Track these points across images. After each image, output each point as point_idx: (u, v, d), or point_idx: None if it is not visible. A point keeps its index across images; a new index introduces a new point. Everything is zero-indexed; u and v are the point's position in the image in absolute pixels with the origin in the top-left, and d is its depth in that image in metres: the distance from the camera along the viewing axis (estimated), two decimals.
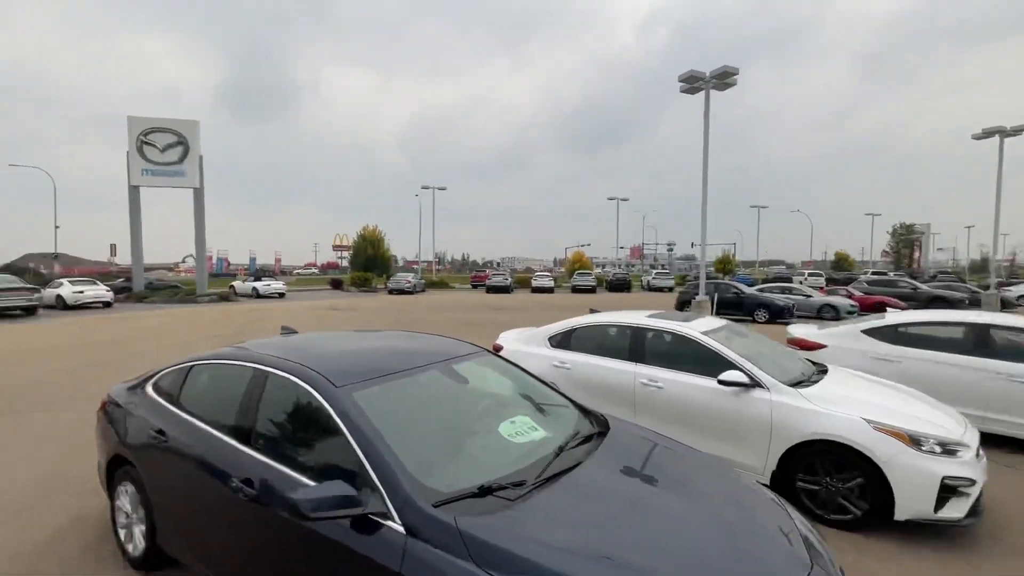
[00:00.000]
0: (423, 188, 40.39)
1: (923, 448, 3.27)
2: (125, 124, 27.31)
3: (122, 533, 3.11)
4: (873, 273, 37.47)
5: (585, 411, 3.00)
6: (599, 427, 2.79)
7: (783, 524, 2.15)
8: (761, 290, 20.72)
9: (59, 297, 21.74)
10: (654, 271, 43.30)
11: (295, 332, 3.70)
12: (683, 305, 19.07)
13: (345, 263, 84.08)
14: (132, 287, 27.67)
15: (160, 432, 2.84)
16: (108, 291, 23.58)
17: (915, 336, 5.77)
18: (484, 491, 1.93)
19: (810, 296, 19.86)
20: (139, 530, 2.96)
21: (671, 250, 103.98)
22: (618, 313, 5.33)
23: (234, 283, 32.73)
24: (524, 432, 2.54)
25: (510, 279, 37.46)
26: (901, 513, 3.25)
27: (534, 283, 37.22)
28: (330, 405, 2.22)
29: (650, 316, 4.95)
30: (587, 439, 2.61)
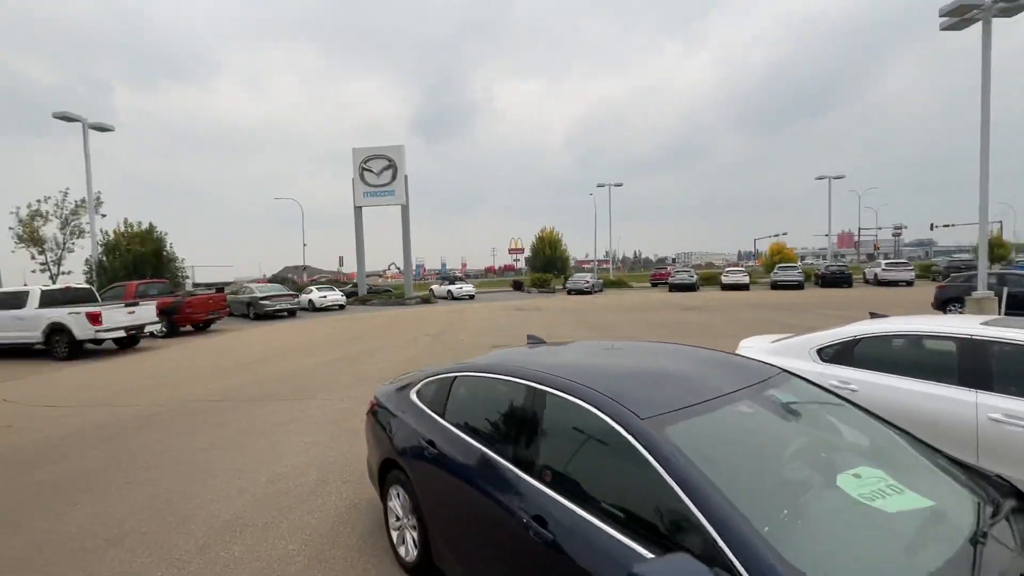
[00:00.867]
0: (598, 186, 39.87)
1: None
2: (347, 157, 32.71)
3: (394, 535, 3.18)
4: None
5: (958, 463, 2.07)
6: (1002, 493, 1.86)
7: None
8: None
9: (310, 301, 26.94)
10: (884, 261, 35.30)
11: (542, 341, 3.43)
12: (947, 303, 14.91)
13: (520, 265, 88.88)
14: (357, 292, 33.03)
15: (431, 443, 2.78)
16: (342, 296, 28.47)
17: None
18: None
19: None
20: (410, 536, 2.98)
21: (898, 235, 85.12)
22: (924, 319, 3.99)
23: (432, 287, 36.71)
24: (883, 494, 1.75)
25: (695, 276, 34.54)
26: None
27: (724, 279, 33.62)
28: (640, 442, 1.77)
29: (986, 323, 3.54)
30: (996, 512, 1.73)
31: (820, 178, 39.93)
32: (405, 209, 32.55)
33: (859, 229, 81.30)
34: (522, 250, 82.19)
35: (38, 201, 25.68)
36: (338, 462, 4.82)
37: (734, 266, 42.75)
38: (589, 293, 33.22)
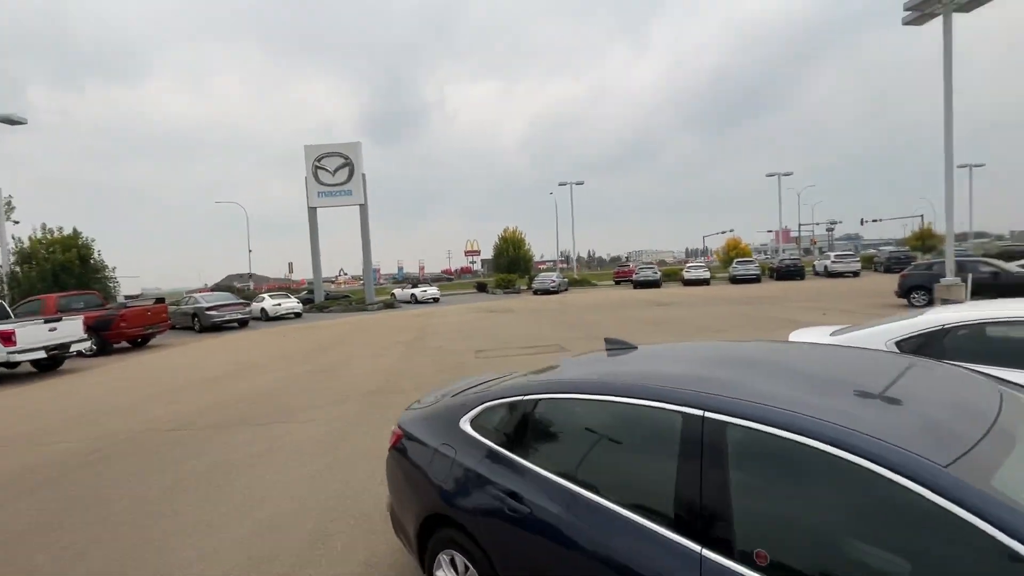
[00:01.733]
0: (560, 185, 39.69)
1: None
2: (298, 158, 30.85)
3: None
4: None
5: None
6: None
7: None
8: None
9: (263, 310, 25.02)
10: (832, 254, 37.02)
11: (633, 347, 2.65)
12: (911, 290, 15.37)
13: (477, 267, 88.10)
14: (314, 299, 31.14)
15: (513, 496, 2.01)
16: (298, 303, 26.65)
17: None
18: None
19: None
20: None
21: (831, 230, 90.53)
22: (1013, 302, 3.58)
23: (394, 291, 35.25)
24: None
25: (658, 273, 34.91)
26: None
27: (686, 275, 34.19)
28: (957, 502, 1.12)
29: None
30: None
31: (770, 175, 41.53)
32: (364, 209, 31.00)
33: (799, 225, 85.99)
34: (479, 252, 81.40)
35: None
36: (337, 502, 3.91)
37: (696, 262, 43.69)
38: (555, 292, 32.86)
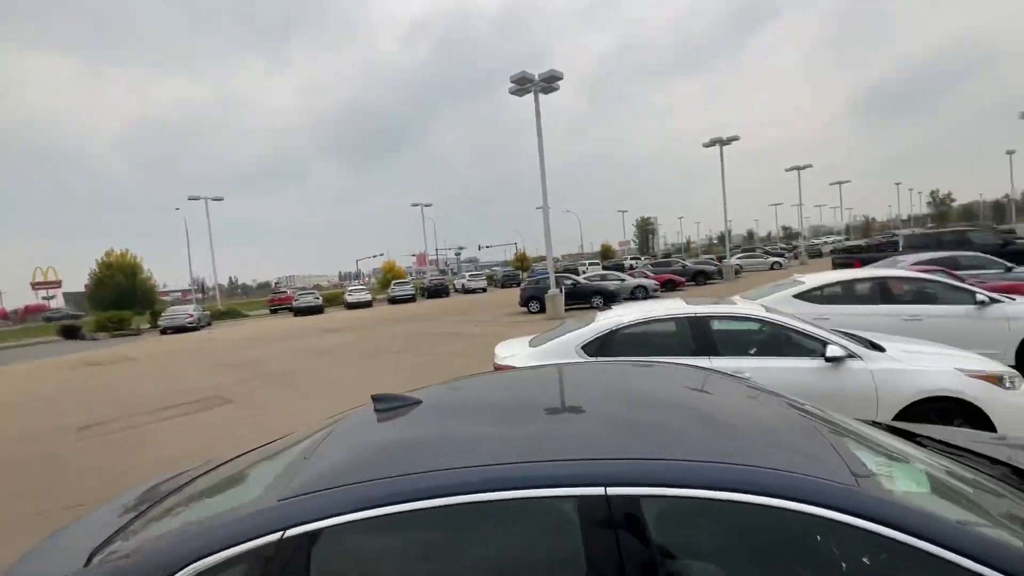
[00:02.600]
0: (191, 199, 32.53)
1: (1006, 385, 3.66)
2: None
3: None
4: (654, 259, 45.37)
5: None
6: None
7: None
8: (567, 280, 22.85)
9: None
10: (467, 275, 44.17)
11: (416, 401, 2.03)
12: (530, 300, 19.65)
13: (58, 304, 63.60)
14: None
15: None
16: None
17: (833, 294, 6.79)
18: None
19: (624, 280, 22.72)
20: None
21: (458, 255, 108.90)
22: (653, 304, 4.86)
23: None
24: None
25: (320, 298, 33.40)
26: None
27: (349, 299, 33.93)
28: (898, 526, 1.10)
29: (692, 303, 4.61)
30: None
31: (415, 204, 46.32)
32: None
33: (436, 250, 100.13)
34: (59, 283, 58.14)
35: None
36: None
37: (356, 285, 43.88)
38: (195, 328, 26.80)
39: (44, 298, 61.56)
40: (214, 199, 33.29)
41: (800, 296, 6.81)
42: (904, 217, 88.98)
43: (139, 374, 12.71)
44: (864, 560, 1.12)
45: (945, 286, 6.58)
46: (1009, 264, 11.27)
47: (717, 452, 1.31)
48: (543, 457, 1.30)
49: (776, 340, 4.15)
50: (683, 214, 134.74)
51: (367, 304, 33.64)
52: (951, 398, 3.61)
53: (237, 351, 15.52)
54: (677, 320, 4.43)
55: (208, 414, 7.70)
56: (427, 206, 46.66)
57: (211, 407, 8.11)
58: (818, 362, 3.87)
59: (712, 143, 30.40)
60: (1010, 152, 49.69)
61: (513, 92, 17.57)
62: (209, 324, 29.44)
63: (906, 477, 1.43)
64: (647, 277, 24.85)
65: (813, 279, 7.13)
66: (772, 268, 35.97)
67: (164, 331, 26.28)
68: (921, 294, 6.66)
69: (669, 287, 24.77)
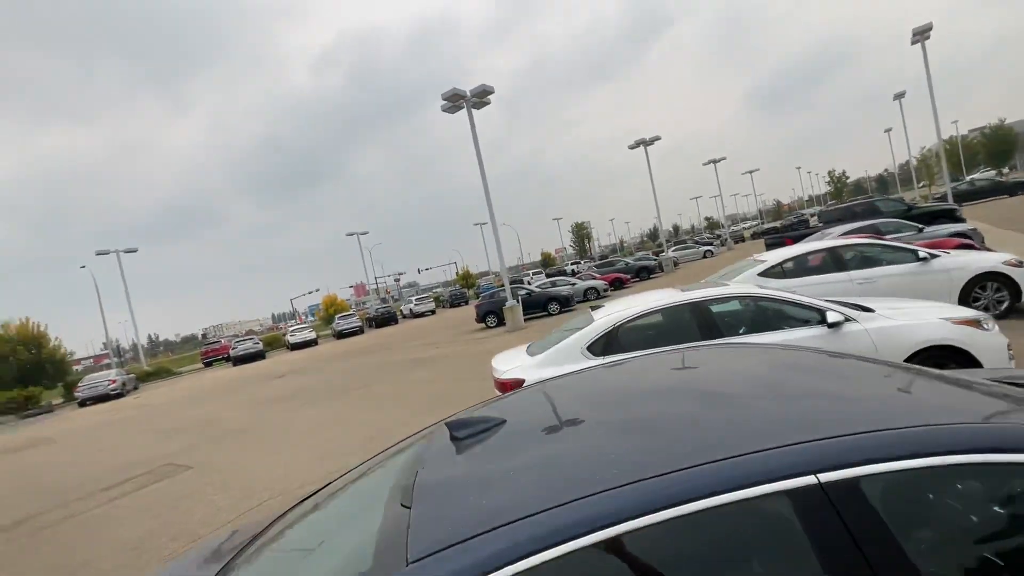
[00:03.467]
0: (98, 253, 29.38)
1: (984, 327, 3.93)
2: None
3: None
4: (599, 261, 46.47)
5: None
6: None
7: None
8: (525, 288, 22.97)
9: None
10: (414, 299, 43.12)
11: (501, 422, 1.80)
12: (487, 315, 19.43)
13: None
14: None
15: None
16: None
17: (793, 268, 7.14)
18: None
19: (575, 284, 23.08)
20: None
21: (398, 280, 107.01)
22: (649, 295, 4.81)
23: None
24: None
25: (260, 343, 31.34)
26: None
27: (292, 339, 32.09)
28: None
29: (684, 291, 4.63)
30: None
31: (350, 234, 44.75)
32: None
33: (375, 278, 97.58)
34: None
35: None
36: None
37: (298, 324, 41.63)
38: (119, 396, 24.16)
39: None
40: (127, 251, 30.37)
41: (764, 274, 7.10)
42: (806, 197, 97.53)
43: (64, 455, 11.19)
44: None
45: (889, 248, 7.11)
46: (920, 225, 12.46)
47: (901, 417, 1.20)
48: (720, 455, 1.13)
49: (775, 315, 4.23)
50: (611, 216, 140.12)
51: (312, 343, 31.97)
52: (944, 346, 3.82)
53: (177, 412, 14.09)
54: (676, 308, 4.42)
55: (164, 485, 6.84)
56: (363, 234, 45.32)
57: (165, 477, 7.22)
58: (820, 330, 3.97)
59: (637, 144, 31.79)
60: (887, 130, 55.86)
61: (446, 109, 17.48)
62: (136, 388, 26.70)
63: None
64: (595, 278, 25.41)
65: (773, 256, 7.49)
66: (704, 256, 38.01)
67: (83, 403, 23.49)
68: (868, 259, 7.14)
69: (617, 285, 25.42)
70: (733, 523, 1.07)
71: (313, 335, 32.56)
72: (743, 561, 1.11)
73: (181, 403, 16.31)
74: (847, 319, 3.98)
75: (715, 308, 4.37)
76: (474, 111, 17.55)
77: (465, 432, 1.65)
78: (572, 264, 53.53)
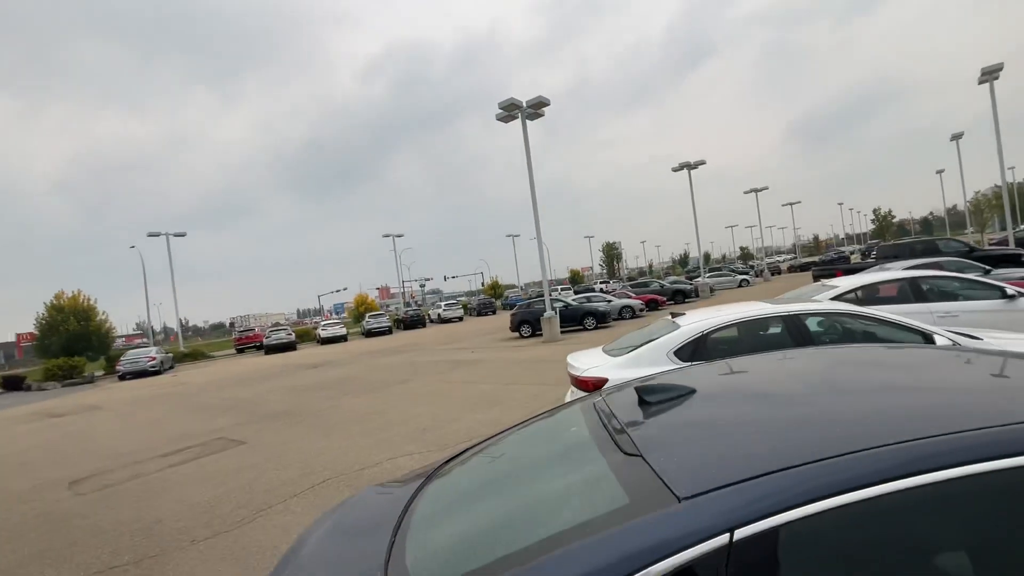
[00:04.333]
0: (150, 235, 30.74)
1: None
2: None
3: None
4: (631, 280, 46.11)
5: None
6: None
7: None
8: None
9: None
10: (443, 304, 43.47)
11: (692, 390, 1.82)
12: (522, 324, 19.40)
13: None
14: None
15: None
16: None
17: (865, 297, 6.93)
18: None
19: (611, 301, 22.89)
20: None
21: (423, 286, 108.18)
22: (735, 307, 4.75)
23: None
24: None
25: (293, 334, 32.01)
26: None
27: (323, 333, 32.67)
28: None
29: (777, 303, 4.56)
30: None
31: (387, 235, 45.64)
32: None
33: (402, 281, 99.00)
34: None
35: None
36: None
37: (330, 319, 42.43)
38: (156, 373, 24.95)
39: None
40: (176, 235, 31.66)
41: (837, 299, 6.91)
42: (843, 235, 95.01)
43: (113, 423, 11.57)
44: None
45: (972, 283, 6.85)
46: (986, 267, 11.97)
47: None
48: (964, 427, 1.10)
49: (875, 335, 4.11)
50: (640, 238, 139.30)
51: (342, 339, 32.46)
52: None
53: (218, 393, 14.45)
54: (768, 320, 4.35)
55: (221, 457, 6.99)
56: (399, 236, 46.12)
57: (221, 450, 7.38)
58: None
59: (681, 167, 31.61)
60: (940, 171, 54.18)
61: (500, 118, 17.75)
62: (172, 367, 27.53)
63: None
64: (630, 297, 25.18)
65: (845, 283, 7.29)
66: (740, 285, 37.28)
67: (123, 376, 24.32)
68: (947, 293, 6.88)
69: (652, 306, 25.14)
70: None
71: (344, 331, 33.07)
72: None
73: (220, 384, 16.73)
74: (954, 343, 3.83)
75: (810, 323, 4.27)
76: (520, 124, 17.75)
77: (656, 397, 1.65)
78: (601, 283, 53.23)
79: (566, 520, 1.23)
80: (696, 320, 4.53)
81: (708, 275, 38.37)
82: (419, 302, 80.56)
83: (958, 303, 6.58)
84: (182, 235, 31.91)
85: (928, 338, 3.87)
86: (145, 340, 35.99)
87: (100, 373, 27.46)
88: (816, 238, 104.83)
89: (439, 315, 40.76)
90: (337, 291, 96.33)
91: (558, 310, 18.04)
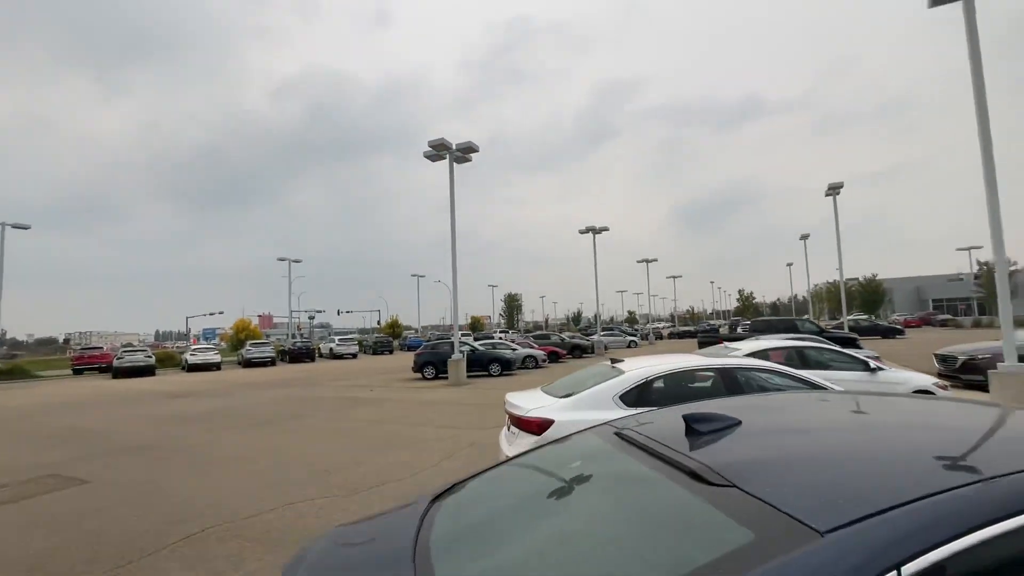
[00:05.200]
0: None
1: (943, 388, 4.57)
2: None
3: None
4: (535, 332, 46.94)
5: None
6: None
7: None
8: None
9: None
10: (336, 339, 40.56)
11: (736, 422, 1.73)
12: (426, 365, 18.70)
13: None
14: None
15: None
16: None
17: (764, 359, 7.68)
18: None
19: (516, 350, 23.05)
20: None
21: (312, 319, 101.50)
22: (674, 357, 4.95)
23: None
24: None
25: (152, 356, 27.66)
26: None
27: (191, 359, 28.60)
28: None
29: (705, 356, 4.85)
30: None
31: (282, 259, 42.24)
32: None
33: (291, 311, 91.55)
34: None
35: None
36: None
37: (204, 344, 37.46)
38: None
39: None
40: (15, 226, 26.18)
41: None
42: (713, 310, 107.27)
43: None
44: None
45: (842, 355, 7.91)
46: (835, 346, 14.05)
47: None
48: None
49: (789, 386, 4.51)
50: (539, 293, 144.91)
51: (215, 367, 28.72)
52: (926, 391, 4.53)
53: (48, 420, 11.81)
54: (706, 371, 4.58)
55: (54, 499, 5.59)
56: (296, 262, 42.92)
57: (53, 490, 5.91)
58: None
59: (587, 230, 33.81)
60: (789, 264, 64.00)
61: (428, 156, 17.72)
62: None
63: None
64: (532, 347, 25.61)
65: (744, 346, 8.06)
66: (629, 346, 39.98)
67: None
68: (823, 363, 7.88)
69: (553, 358, 25.75)
70: None
71: (218, 358, 29.28)
72: None
73: (51, 409, 13.72)
74: (879, 368, 4.43)
75: (739, 376, 4.56)
76: (448, 165, 17.90)
77: (707, 427, 1.56)
78: (501, 332, 53.86)
79: (672, 563, 1.06)
80: (640, 367, 4.63)
81: (602, 334, 40.60)
82: (305, 335, 74.69)
83: (830, 372, 7.52)
84: (25, 227, 26.57)
85: (865, 365, 4.39)
86: None
87: None
88: (692, 310, 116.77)
89: (331, 350, 38.02)
90: (211, 314, 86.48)
91: (465, 354, 17.72)
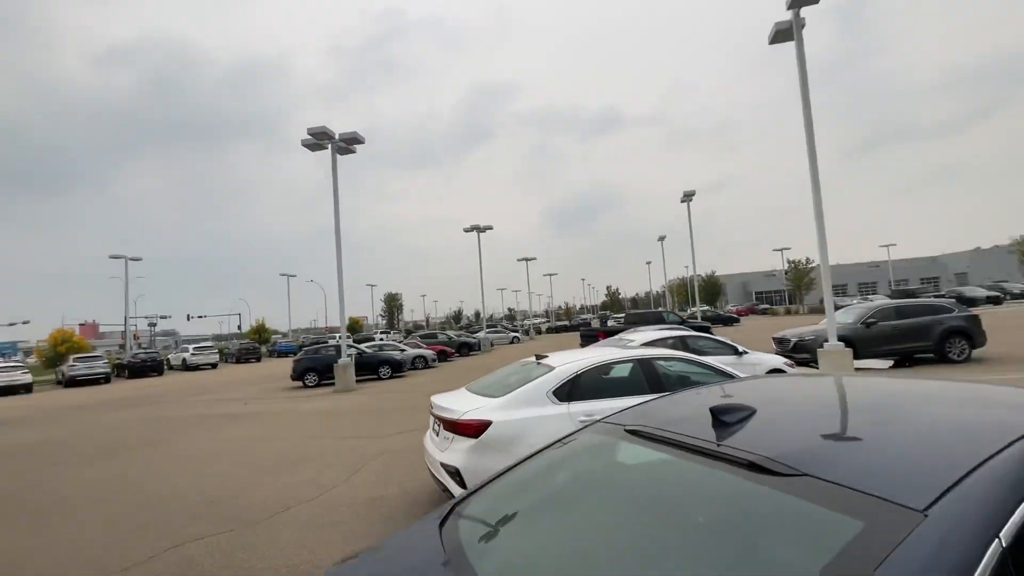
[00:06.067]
0: None
1: (791, 364, 5.41)
2: None
3: None
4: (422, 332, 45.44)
5: None
6: None
7: None
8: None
9: None
10: (191, 347, 35.13)
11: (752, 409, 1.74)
12: (307, 372, 17.24)
13: None
14: None
15: None
16: None
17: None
18: None
19: (404, 351, 22.34)
20: None
21: (154, 325, 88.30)
22: (599, 349, 5.16)
23: None
24: None
25: None
26: None
27: None
28: None
29: (619, 349, 5.15)
30: None
31: (116, 256, 35.50)
32: None
33: (126, 318, 77.51)
34: None
35: None
36: None
37: (11, 362, 29.91)
38: None
39: None
40: None
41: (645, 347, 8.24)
42: (583, 305, 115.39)
43: None
44: None
45: (718, 342, 8.99)
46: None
47: None
48: None
49: (696, 372, 4.98)
50: (419, 292, 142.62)
51: (25, 389, 23.32)
52: (780, 369, 5.30)
53: None
54: (623, 363, 4.83)
55: None
56: (135, 260, 36.39)
57: None
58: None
59: (472, 229, 34.00)
60: (648, 263, 71.38)
61: (307, 145, 16.26)
62: None
63: None
64: (420, 347, 25.06)
65: (639, 338, 8.76)
66: (512, 342, 41.21)
67: None
68: (701, 350, 8.88)
69: (442, 357, 25.47)
70: None
71: (28, 378, 23.73)
72: None
73: None
74: (745, 351, 5.02)
75: (659, 365, 4.90)
76: (331, 156, 16.70)
77: (732, 417, 1.59)
78: (382, 332, 51.81)
79: (789, 564, 1.04)
80: (568, 362, 4.74)
81: (487, 331, 41.20)
82: (144, 344, 64.34)
83: (710, 357, 8.53)
84: None
85: (731, 376, 4.87)
86: None
87: None
88: (566, 305, 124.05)
89: (184, 360, 33.09)
90: (12, 324, 70.64)
91: (353, 357, 16.68)
